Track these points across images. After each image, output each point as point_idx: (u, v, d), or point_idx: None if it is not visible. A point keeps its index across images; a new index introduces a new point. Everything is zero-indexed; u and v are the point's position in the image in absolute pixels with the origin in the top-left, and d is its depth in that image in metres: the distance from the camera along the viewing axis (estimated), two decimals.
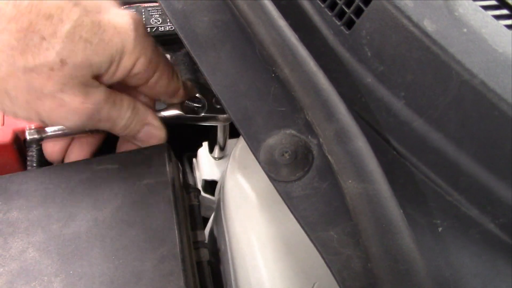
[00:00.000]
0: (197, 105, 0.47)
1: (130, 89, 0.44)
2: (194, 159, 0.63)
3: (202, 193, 0.57)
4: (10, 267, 0.37)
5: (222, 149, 0.57)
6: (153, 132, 0.45)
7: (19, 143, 0.52)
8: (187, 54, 0.69)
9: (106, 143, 0.49)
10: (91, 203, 0.40)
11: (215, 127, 0.55)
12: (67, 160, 0.47)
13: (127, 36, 0.38)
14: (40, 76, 0.36)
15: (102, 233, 0.39)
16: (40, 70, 0.35)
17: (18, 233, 0.39)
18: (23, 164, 0.53)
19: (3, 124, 0.52)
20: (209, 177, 0.58)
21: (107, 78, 0.40)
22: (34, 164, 0.50)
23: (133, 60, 0.39)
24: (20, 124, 0.52)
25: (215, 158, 0.59)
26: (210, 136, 0.59)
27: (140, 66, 0.40)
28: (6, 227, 0.39)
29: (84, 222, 0.39)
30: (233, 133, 0.57)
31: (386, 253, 0.27)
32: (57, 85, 0.36)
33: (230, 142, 0.60)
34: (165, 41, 0.69)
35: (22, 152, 0.52)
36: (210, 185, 0.59)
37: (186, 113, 0.46)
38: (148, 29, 0.68)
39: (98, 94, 0.39)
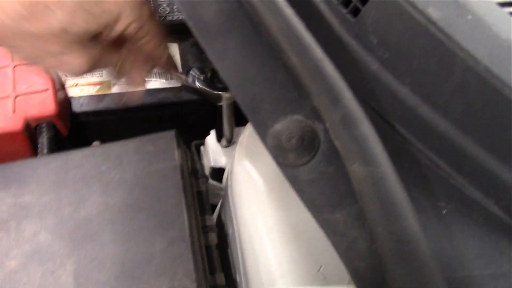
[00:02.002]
0: (198, 75, 0.48)
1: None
2: (201, 147, 0.64)
3: (210, 180, 0.58)
4: (23, 249, 0.38)
5: (228, 136, 0.58)
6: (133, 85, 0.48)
7: (30, 130, 0.53)
8: (195, 44, 0.69)
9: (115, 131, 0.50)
10: (101, 188, 0.41)
11: (220, 114, 0.56)
12: None
13: (125, 5, 0.41)
14: (43, 40, 0.39)
15: (112, 217, 0.40)
16: (43, 35, 0.39)
17: (31, 217, 0.40)
18: (34, 151, 0.54)
19: (14, 111, 0.53)
20: (216, 164, 0.59)
21: (101, 37, 0.43)
22: (45, 151, 0.51)
23: (126, 25, 0.42)
24: (31, 111, 0.53)
25: (222, 146, 0.60)
26: (217, 124, 0.59)
27: (131, 30, 0.43)
28: (19, 211, 0.40)
29: (95, 207, 0.40)
30: (240, 121, 0.58)
31: (391, 234, 0.28)
32: (59, 48, 0.40)
33: (237, 130, 0.61)
34: (173, 31, 0.69)
35: (33, 139, 0.53)
36: (218, 173, 0.60)
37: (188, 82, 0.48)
38: (157, 18, 0.68)
39: (96, 49, 0.43)
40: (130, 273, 0.37)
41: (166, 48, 0.49)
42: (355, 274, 0.30)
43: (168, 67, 0.51)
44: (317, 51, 0.33)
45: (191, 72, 0.48)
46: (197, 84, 0.48)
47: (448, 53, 0.31)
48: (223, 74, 0.37)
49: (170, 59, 0.51)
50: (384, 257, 0.28)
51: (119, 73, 0.46)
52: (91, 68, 0.43)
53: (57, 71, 0.45)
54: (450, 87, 0.32)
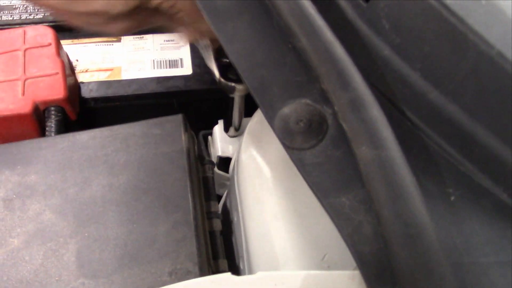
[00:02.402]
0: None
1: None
2: (209, 137, 0.64)
3: (216, 170, 0.58)
4: (27, 227, 0.38)
5: (237, 126, 0.58)
6: None
7: (39, 113, 0.53)
8: None
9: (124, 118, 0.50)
10: (107, 170, 0.41)
11: (231, 105, 0.55)
12: None
13: None
14: (87, 16, 0.43)
15: (117, 198, 0.39)
16: (87, 14, 0.43)
17: (36, 196, 0.40)
18: (42, 134, 0.54)
19: (24, 94, 0.53)
20: (223, 154, 0.59)
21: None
22: (53, 135, 0.51)
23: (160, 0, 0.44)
24: (40, 94, 0.53)
25: (230, 136, 0.60)
26: (226, 114, 0.59)
27: (165, 6, 0.45)
28: (24, 190, 0.40)
29: (100, 187, 0.40)
30: (248, 112, 0.58)
31: (397, 217, 0.27)
32: (101, 22, 0.44)
33: (245, 120, 0.60)
34: None
35: (41, 123, 0.53)
36: (224, 163, 0.59)
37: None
38: None
39: (134, 19, 0.45)
40: (133, 254, 0.37)
41: (203, 24, 0.48)
42: (360, 258, 0.29)
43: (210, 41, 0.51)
44: (328, 34, 0.33)
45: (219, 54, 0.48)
46: (215, 72, 0.48)
47: (460, 37, 0.31)
48: (233, 56, 0.37)
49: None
50: (390, 240, 0.27)
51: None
52: (131, 31, 0.46)
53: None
54: (462, 72, 0.31)
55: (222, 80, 0.48)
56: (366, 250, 0.29)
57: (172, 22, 0.48)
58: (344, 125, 0.31)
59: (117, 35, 0.45)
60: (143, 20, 0.46)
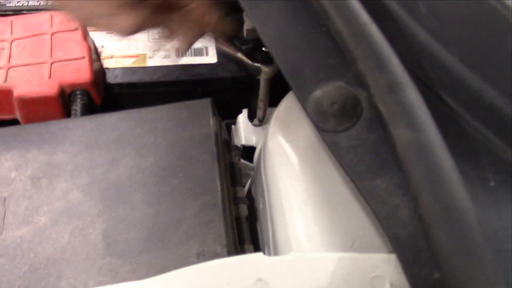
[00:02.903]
0: (239, 44, 0.47)
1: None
2: (232, 126, 0.63)
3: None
4: (54, 206, 0.38)
5: (261, 115, 0.57)
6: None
7: (64, 96, 0.53)
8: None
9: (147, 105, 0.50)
10: (134, 151, 0.41)
11: (256, 93, 0.55)
12: None
13: None
14: (93, 3, 0.41)
15: (144, 180, 0.39)
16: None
17: (63, 175, 0.40)
18: (67, 117, 0.54)
19: (50, 77, 0.53)
20: (247, 142, 0.58)
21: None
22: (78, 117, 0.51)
23: None
24: (66, 78, 0.53)
25: (254, 125, 0.59)
26: (250, 103, 0.59)
27: None
28: (51, 169, 0.40)
29: (128, 168, 0.40)
30: (273, 102, 0.57)
31: (437, 200, 0.27)
32: (108, 10, 0.41)
33: (269, 110, 0.60)
34: None
35: (67, 105, 0.53)
36: (248, 152, 0.59)
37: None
38: None
39: (143, 13, 0.43)
40: (160, 236, 0.37)
41: (215, 14, 0.47)
42: (396, 241, 0.29)
43: (216, 34, 0.49)
44: (364, 16, 0.32)
45: (234, 41, 0.47)
46: (238, 54, 0.47)
47: (501, 20, 0.30)
48: (265, 39, 0.36)
49: (219, 26, 0.49)
50: (429, 223, 0.27)
51: (168, 34, 0.46)
52: (139, 29, 0.43)
53: (109, 31, 0.44)
54: (501, 56, 0.31)
55: (249, 61, 0.47)
56: (402, 234, 0.29)
57: (179, 19, 0.46)
58: (381, 107, 0.30)
59: (125, 34, 0.43)
60: (150, 16, 0.44)
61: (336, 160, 0.32)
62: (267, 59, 0.44)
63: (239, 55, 0.47)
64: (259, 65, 0.47)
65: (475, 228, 0.26)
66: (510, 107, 0.30)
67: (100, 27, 0.45)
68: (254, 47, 0.48)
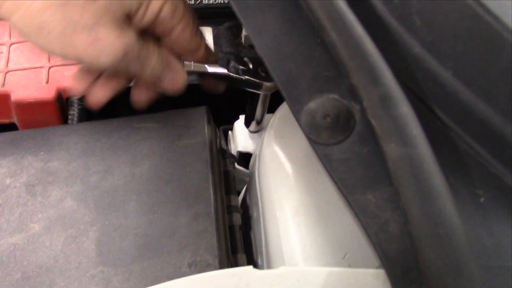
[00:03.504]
0: (242, 67, 0.47)
1: (154, 40, 0.45)
2: (229, 132, 0.63)
3: (236, 165, 0.58)
4: (48, 213, 0.38)
5: (259, 122, 0.57)
6: (176, 76, 0.45)
7: (62, 101, 0.53)
8: (229, 28, 0.69)
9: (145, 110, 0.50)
10: (129, 159, 0.41)
11: (254, 100, 0.55)
12: (89, 93, 0.47)
13: None
14: (74, 8, 0.36)
15: (138, 188, 0.39)
16: (74, 2, 0.36)
17: (58, 182, 0.40)
18: (64, 122, 0.54)
19: (48, 81, 0.53)
20: (244, 149, 0.58)
21: (137, 20, 0.40)
22: (75, 122, 0.51)
23: (161, 3, 0.40)
24: (64, 83, 0.53)
25: (251, 131, 0.59)
26: (247, 109, 0.59)
27: (166, 10, 0.41)
28: (46, 176, 0.40)
29: (122, 176, 0.40)
30: (270, 108, 0.57)
31: (426, 216, 0.27)
32: (92, 17, 0.37)
33: (267, 116, 0.60)
34: (208, 14, 0.69)
35: (64, 110, 0.53)
36: (244, 158, 0.59)
37: (230, 72, 0.47)
38: (192, 1, 0.68)
39: (131, 32, 0.40)
40: (153, 245, 0.37)
41: (203, 37, 0.47)
42: (386, 257, 0.29)
43: (207, 59, 0.48)
44: (358, 29, 0.32)
45: (231, 65, 0.47)
46: (243, 76, 0.47)
47: (495, 36, 0.30)
48: (261, 49, 0.36)
49: (209, 50, 0.49)
50: (418, 239, 0.27)
51: (155, 72, 0.44)
52: (125, 52, 0.40)
53: (88, 55, 0.39)
54: (495, 71, 0.31)
55: (249, 78, 0.47)
56: (392, 249, 0.29)
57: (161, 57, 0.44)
58: (373, 122, 0.31)
59: (109, 57, 0.39)
60: (138, 41, 0.41)
61: (328, 173, 0.32)
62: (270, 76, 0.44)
63: (244, 76, 0.47)
64: (260, 81, 0.47)
65: (464, 245, 0.26)
66: (502, 122, 0.30)
67: (81, 50, 0.39)
68: (255, 65, 0.47)
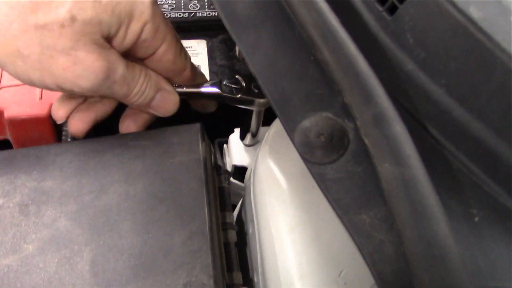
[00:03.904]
0: (235, 86, 0.47)
1: (138, 62, 0.44)
2: (224, 145, 0.63)
3: (231, 179, 0.57)
4: (42, 234, 0.38)
5: (254, 136, 0.57)
6: (167, 97, 0.45)
7: None
8: (223, 41, 0.69)
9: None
10: (123, 177, 0.41)
11: (249, 114, 0.55)
12: (69, 121, 0.47)
13: (137, 2, 0.39)
14: (51, 33, 0.36)
15: (133, 207, 0.39)
16: (51, 27, 0.36)
17: (51, 202, 0.40)
18: (58, 138, 0.54)
19: (41, 98, 0.53)
20: (239, 163, 0.58)
21: (117, 43, 0.40)
22: (69, 139, 0.51)
23: (141, 24, 0.40)
24: None
25: (246, 145, 0.59)
26: (243, 122, 0.59)
27: (147, 32, 0.40)
28: (40, 196, 0.40)
29: (116, 195, 0.40)
30: (266, 121, 0.57)
31: (420, 238, 0.27)
32: (69, 41, 0.37)
33: (262, 129, 0.60)
34: (202, 27, 0.69)
35: (58, 126, 0.53)
36: (240, 172, 0.59)
37: (224, 92, 0.47)
38: (187, 14, 0.68)
39: (112, 53, 0.39)
40: (148, 265, 0.36)
41: (188, 58, 0.47)
42: (380, 278, 0.29)
43: (193, 79, 0.48)
44: (351, 47, 0.32)
45: (224, 84, 0.47)
46: (236, 94, 0.47)
47: (488, 54, 0.30)
48: (254, 67, 0.36)
49: (195, 69, 0.48)
50: (412, 261, 0.27)
51: (142, 95, 0.43)
52: (107, 75, 0.39)
53: (67, 80, 0.38)
54: (488, 89, 0.31)
55: (243, 96, 0.47)
56: (387, 270, 0.29)
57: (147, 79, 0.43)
58: (366, 141, 0.31)
59: (89, 80, 0.38)
60: (120, 62, 0.40)
61: (322, 193, 0.32)
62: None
63: (239, 95, 0.47)
64: (253, 98, 0.47)
65: (459, 267, 0.26)
66: (496, 140, 0.30)
67: (61, 74, 0.39)
68: (248, 82, 0.47)
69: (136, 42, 0.41)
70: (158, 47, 0.42)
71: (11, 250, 0.37)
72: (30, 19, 0.36)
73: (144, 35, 0.40)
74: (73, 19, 0.36)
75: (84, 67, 0.38)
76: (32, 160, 0.42)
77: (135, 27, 0.40)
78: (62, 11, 0.36)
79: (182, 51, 0.45)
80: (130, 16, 0.39)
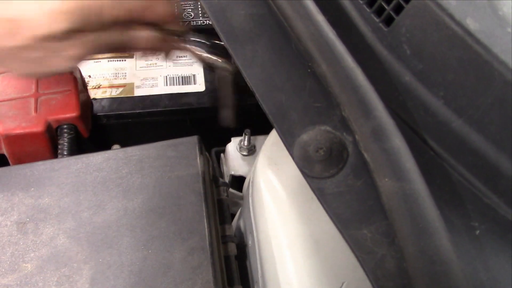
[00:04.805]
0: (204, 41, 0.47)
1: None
2: (222, 154, 0.63)
3: (229, 189, 0.57)
4: (40, 252, 0.38)
5: (250, 145, 0.57)
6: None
7: (51, 132, 0.53)
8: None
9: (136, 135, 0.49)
10: (121, 193, 0.40)
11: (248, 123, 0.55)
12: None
13: None
14: (27, 51, 0.39)
15: (132, 223, 0.39)
16: (26, 47, 0.39)
17: (50, 219, 0.39)
18: (54, 152, 0.53)
19: (36, 111, 0.52)
20: (236, 172, 0.58)
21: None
22: (65, 153, 0.51)
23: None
24: (53, 112, 0.53)
25: (243, 154, 0.59)
26: (240, 132, 0.58)
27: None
28: (37, 213, 0.40)
29: (115, 211, 0.40)
30: (263, 130, 0.57)
31: (422, 254, 0.27)
32: (46, 52, 0.39)
33: (260, 138, 0.60)
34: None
35: (54, 141, 0.53)
36: (237, 181, 0.59)
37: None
38: (181, 22, 0.68)
39: (89, 37, 0.40)
40: (148, 282, 0.36)
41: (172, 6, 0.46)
42: None
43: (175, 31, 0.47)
44: (348, 60, 0.32)
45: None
46: (204, 54, 0.47)
47: (485, 66, 0.30)
48: (251, 80, 0.36)
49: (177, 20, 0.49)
50: (415, 277, 0.27)
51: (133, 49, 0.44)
52: (92, 51, 0.41)
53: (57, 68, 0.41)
54: (486, 101, 0.30)
55: (215, 58, 0.47)
56: (390, 286, 0.28)
57: (132, 38, 0.43)
58: (366, 155, 0.30)
59: (68, 67, 0.41)
60: (96, 41, 0.41)
61: (323, 207, 0.32)
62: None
63: (205, 54, 0.47)
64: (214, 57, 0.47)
65: (462, 283, 0.26)
66: (495, 152, 0.30)
67: (50, 67, 0.41)
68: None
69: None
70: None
71: (9, 269, 0.37)
72: (4, 44, 0.38)
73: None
74: (46, 37, 0.38)
75: (65, 57, 0.40)
76: (29, 177, 0.42)
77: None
78: (28, 34, 0.38)
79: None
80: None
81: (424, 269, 0.26)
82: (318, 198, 0.32)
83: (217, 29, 0.37)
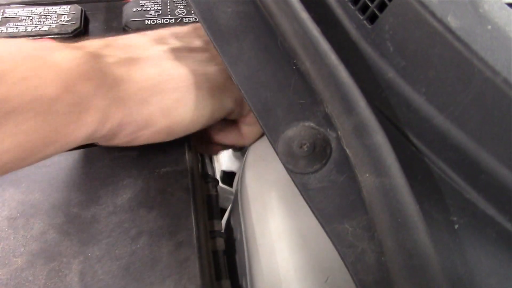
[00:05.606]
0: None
1: None
2: None
3: (220, 184, 0.58)
4: (31, 247, 0.38)
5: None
6: None
7: None
8: None
9: None
10: (110, 189, 0.41)
11: None
12: None
13: None
14: None
15: (120, 218, 0.39)
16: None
17: (40, 214, 0.40)
18: None
19: None
20: (227, 168, 0.59)
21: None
22: None
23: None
24: None
25: (234, 150, 0.60)
26: None
27: None
28: (28, 209, 0.40)
29: (104, 207, 0.40)
30: None
31: (401, 248, 0.27)
32: None
33: None
34: None
35: None
36: (229, 177, 0.59)
37: None
38: (173, 19, 0.68)
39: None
40: (136, 276, 0.37)
41: None
42: (363, 287, 0.29)
43: None
44: (332, 57, 0.33)
45: None
46: None
47: (466, 63, 0.30)
48: (237, 78, 0.36)
49: None
50: (393, 270, 0.27)
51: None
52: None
53: None
54: (467, 98, 0.31)
55: None
56: (369, 279, 0.29)
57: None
58: (348, 151, 0.31)
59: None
60: None
61: (306, 202, 0.33)
62: None
63: None
64: None
65: (439, 277, 0.26)
66: (475, 148, 0.31)
67: None
68: None
69: None
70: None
71: (0, 264, 0.38)
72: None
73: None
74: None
75: None
76: (20, 173, 0.42)
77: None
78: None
79: None
80: None
81: (402, 263, 0.27)
82: (301, 193, 0.33)
83: (204, 27, 0.38)
